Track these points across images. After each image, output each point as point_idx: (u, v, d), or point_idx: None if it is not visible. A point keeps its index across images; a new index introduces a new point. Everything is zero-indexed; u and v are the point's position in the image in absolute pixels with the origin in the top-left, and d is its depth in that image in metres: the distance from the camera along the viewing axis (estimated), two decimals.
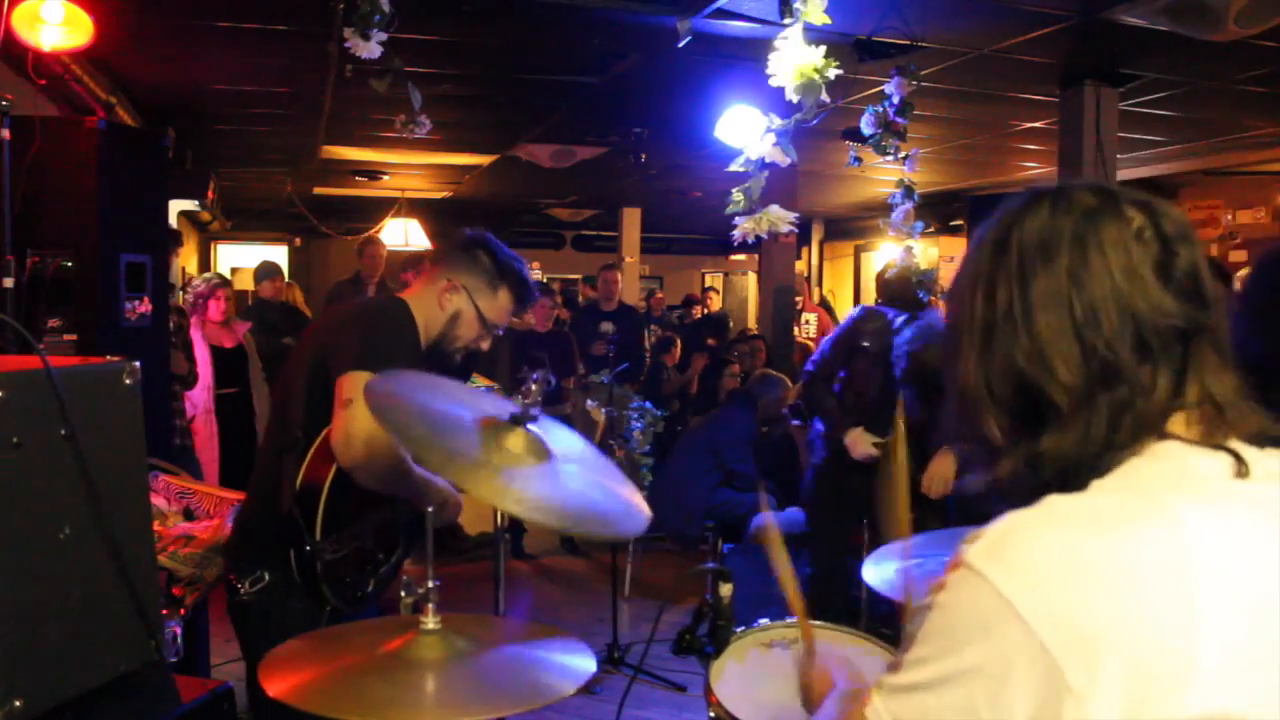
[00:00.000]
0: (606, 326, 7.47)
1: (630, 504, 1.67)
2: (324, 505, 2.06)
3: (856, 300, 12.51)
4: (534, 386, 1.74)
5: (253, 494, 2.34)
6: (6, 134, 3.21)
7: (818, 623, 1.96)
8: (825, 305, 11.55)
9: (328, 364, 2.14)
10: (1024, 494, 0.92)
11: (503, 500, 1.52)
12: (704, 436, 5.75)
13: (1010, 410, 0.95)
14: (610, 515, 1.63)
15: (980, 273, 0.97)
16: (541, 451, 1.62)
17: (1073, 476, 0.90)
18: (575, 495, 1.62)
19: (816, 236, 13.94)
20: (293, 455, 2.12)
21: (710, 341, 8.57)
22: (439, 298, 2.35)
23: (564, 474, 1.62)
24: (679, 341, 8.66)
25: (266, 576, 2.15)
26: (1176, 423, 0.91)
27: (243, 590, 2.16)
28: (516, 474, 1.56)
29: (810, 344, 8.80)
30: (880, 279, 4.56)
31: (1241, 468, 0.88)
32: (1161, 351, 0.91)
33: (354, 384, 2.03)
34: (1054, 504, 0.88)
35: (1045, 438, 0.92)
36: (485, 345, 2.43)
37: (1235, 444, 0.90)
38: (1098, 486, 0.88)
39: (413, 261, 7.18)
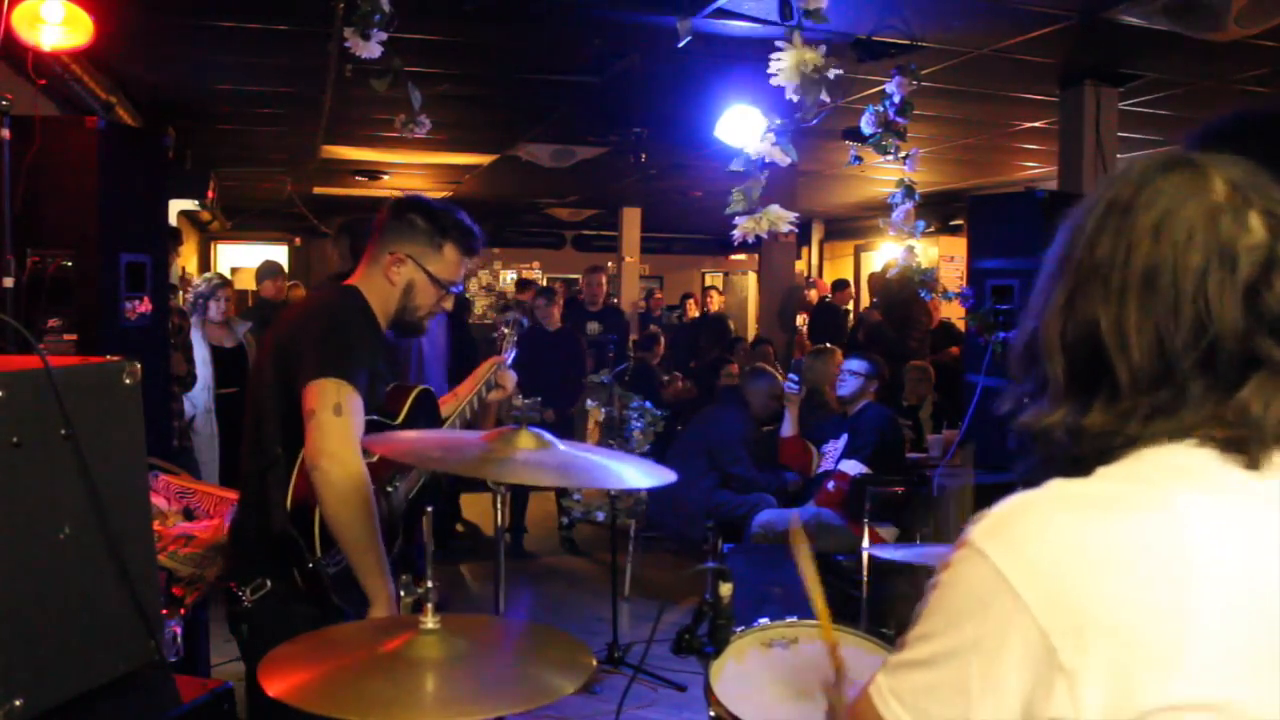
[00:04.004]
0: (593, 327, 7.47)
1: (642, 465, 1.86)
2: (319, 522, 2.03)
3: (857, 301, 12.49)
4: (506, 330, 2.32)
5: (243, 508, 2.27)
6: (6, 134, 3.21)
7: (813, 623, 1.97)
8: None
9: (290, 374, 2.10)
10: (1048, 458, 0.92)
11: (516, 475, 1.72)
12: (697, 437, 5.69)
13: (1074, 366, 0.92)
14: (620, 470, 1.81)
15: (1097, 221, 0.93)
16: (546, 442, 1.75)
17: (1088, 461, 0.89)
18: (583, 459, 1.81)
19: (816, 236, 13.94)
20: (275, 474, 2.09)
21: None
22: (386, 274, 2.27)
23: (571, 450, 1.79)
24: (663, 340, 8.61)
25: (269, 584, 2.14)
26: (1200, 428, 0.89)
27: (244, 598, 2.14)
28: (525, 454, 1.70)
29: (808, 344, 8.80)
30: (881, 279, 4.56)
31: (1251, 461, 0.87)
32: (1226, 371, 0.87)
33: (316, 395, 2.01)
34: (1057, 487, 0.89)
35: (1093, 412, 0.90)
36: (448, 305, 2.36)
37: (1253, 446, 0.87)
38: (1102, 473, 0.89)
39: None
